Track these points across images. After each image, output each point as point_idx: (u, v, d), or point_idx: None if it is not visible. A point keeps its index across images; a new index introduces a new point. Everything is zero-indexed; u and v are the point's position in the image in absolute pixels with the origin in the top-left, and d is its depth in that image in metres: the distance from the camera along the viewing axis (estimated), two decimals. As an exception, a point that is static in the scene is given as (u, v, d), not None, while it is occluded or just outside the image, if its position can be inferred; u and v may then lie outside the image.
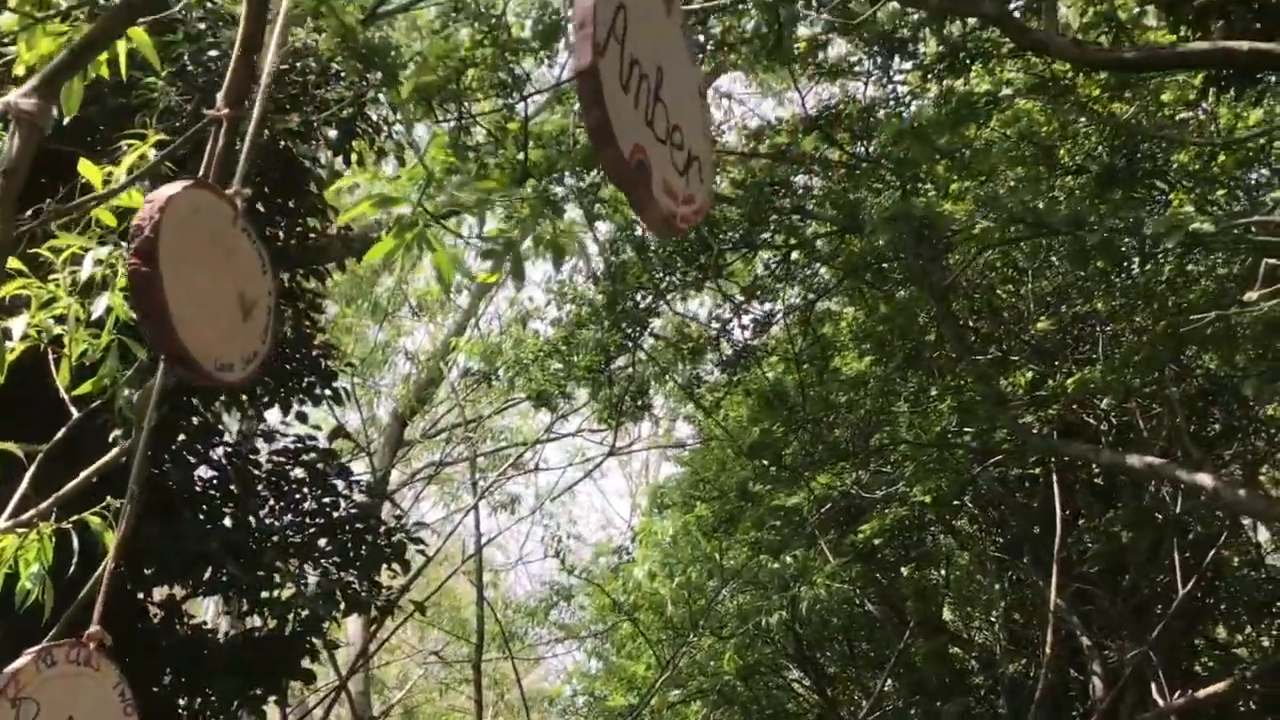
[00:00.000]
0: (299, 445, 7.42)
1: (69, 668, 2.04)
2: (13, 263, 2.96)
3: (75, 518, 3.12)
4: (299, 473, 7.54)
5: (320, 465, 7.51)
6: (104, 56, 2.50)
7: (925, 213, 5.80)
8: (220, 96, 1.96)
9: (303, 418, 7.67)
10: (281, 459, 7.54)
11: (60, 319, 3.29)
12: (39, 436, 3.29)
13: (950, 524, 10.90)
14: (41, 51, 2.40)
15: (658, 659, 10.18)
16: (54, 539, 3.14)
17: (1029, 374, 8.97)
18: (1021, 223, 5.62)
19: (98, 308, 3.18)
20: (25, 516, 3.04)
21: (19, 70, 2.58)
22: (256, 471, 7.24)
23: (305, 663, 6.89)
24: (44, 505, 2.91)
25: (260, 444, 7.54)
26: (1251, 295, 3.37)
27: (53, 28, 2.44)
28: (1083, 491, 9.87)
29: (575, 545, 13.18)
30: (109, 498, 3.22)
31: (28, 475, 3.10)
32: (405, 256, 2.48)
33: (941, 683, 11.11)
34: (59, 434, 3.19)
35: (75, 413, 3.35)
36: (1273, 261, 3.39)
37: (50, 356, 3.36)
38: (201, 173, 1.93)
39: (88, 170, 2.83)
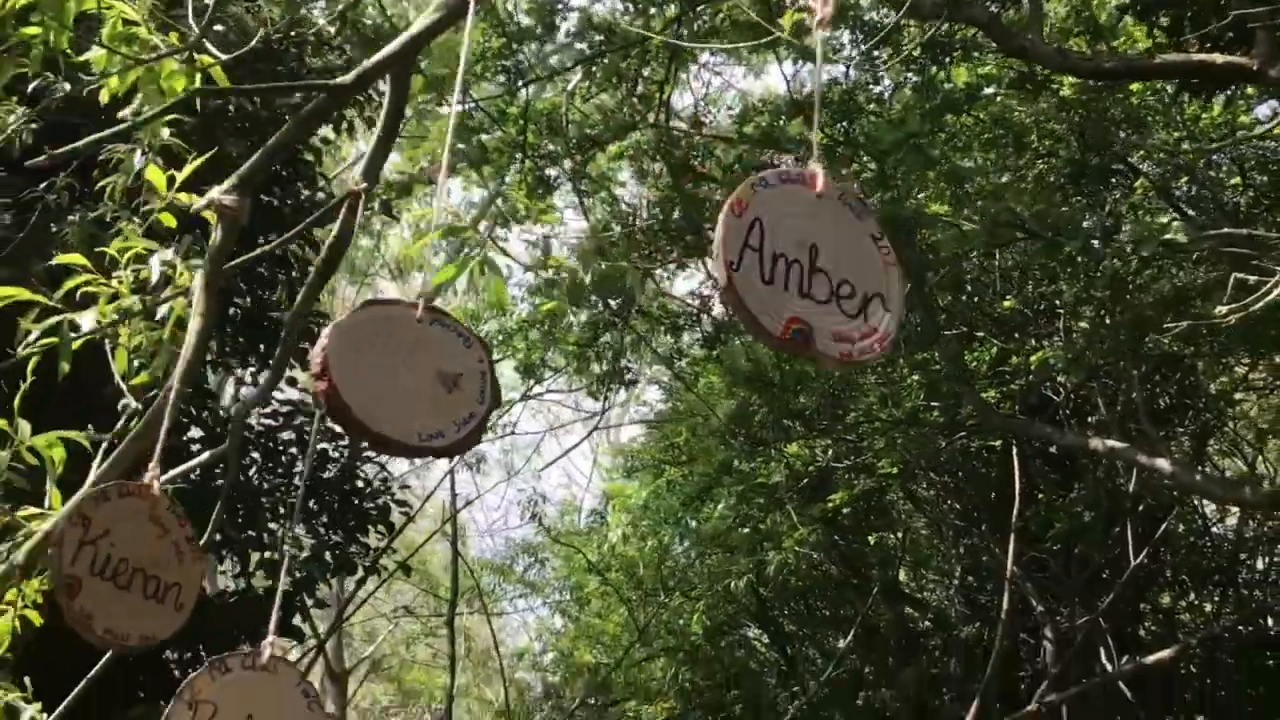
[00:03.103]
0: (290, 409, 7.59)
1: (244, 673, 2.30)
2: (79, 259, 3.15)
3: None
4: (287, 435, 7.73)
5: (308, 429, 7.70)
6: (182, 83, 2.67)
7: (913, 215, 6.05)
8: (358, 174, 2.16)
9: (292, 382, 7.83)
10: (272, 422, 7.71)
11: (123, 314, 3.47)
12: (100, 427, 3.48)
13: (910, 491, 11.23)
14: (175, 88, 2.57)
15: (633, 618, 10.48)
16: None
17: (993, 349, 9.28)
18: (1006, 225, 5.88)
19: (162, 309, 3.36)
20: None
21: (104, 98, 2.76)
22: (248, 434, 7.40)
23: (296, 620, 7.12)
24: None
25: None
26: (1221, 310, 3.63)
27: (172, 67, 2.61)
28: (1040, 465, 10.23)
29: (541, 504, 13.41)
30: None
31: (95, 462, 3.29)
32: (464, 276, 2.68)
33: (898, 644, 11.50)
34: (120, 423, 3.38)
35: (135, 403, 3.54)
36: (1240, 275, 3.65)
37: (108, 347, 3.55)
38: (327, 253, 2.15)
39: (154, 175, 3.00)
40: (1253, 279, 3.60)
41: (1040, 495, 10.12)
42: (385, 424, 1.94)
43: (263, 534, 7.11)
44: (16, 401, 3.64)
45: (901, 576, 12.15)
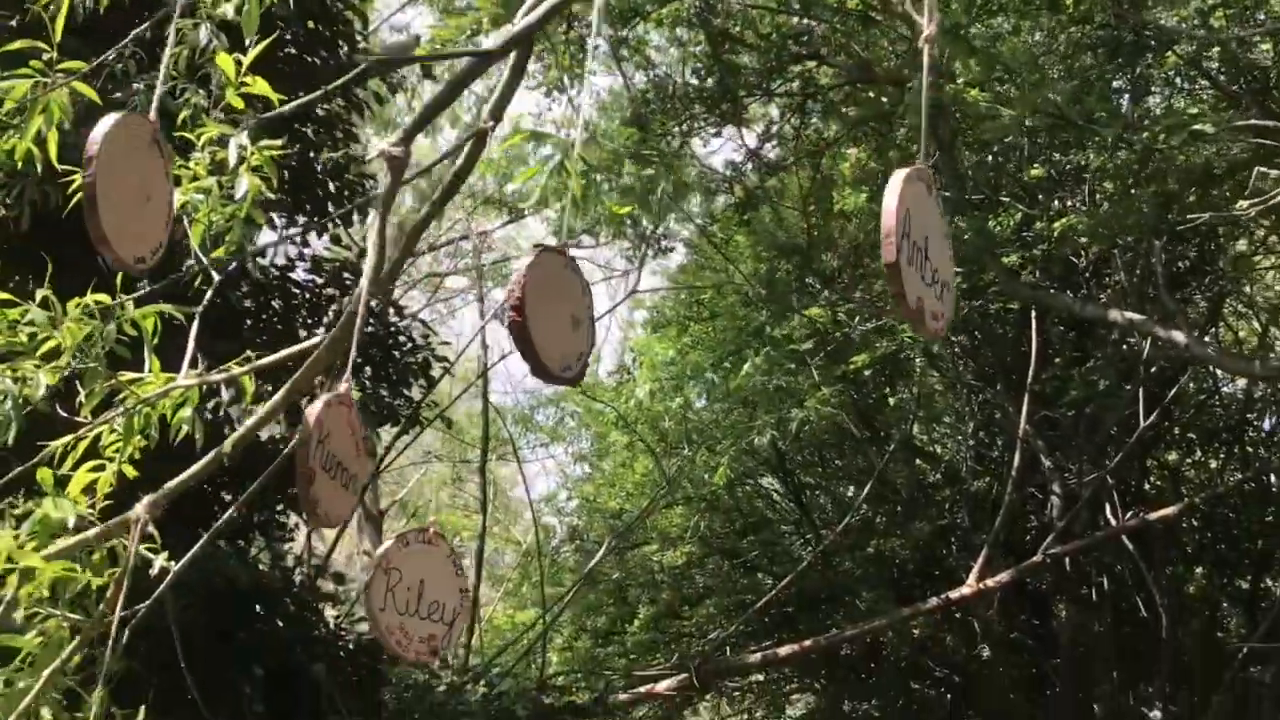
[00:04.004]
0: (335, 265, 7.83)
1: (418, 546, 2.86)
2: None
3: (226, 374, 3.63)
4: (332, 291, 7.98)
5: (351, 283, 7.94)
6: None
7: (954, 100, 6.14)
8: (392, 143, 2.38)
9: (336, 239, 8.06)
10: (316, 278, 7.96)
11: (202, 193, 3.70)
12: (177, 300, 3.75)
13: (926, 349, 11.49)
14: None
15: (663, 470, 10.89)
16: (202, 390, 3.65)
17: (1017, 215, 9.41)
18: (1044, 114, 5.97)
19: (239, 189, 3.58)
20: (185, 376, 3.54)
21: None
22: (295, 290, 7.66)
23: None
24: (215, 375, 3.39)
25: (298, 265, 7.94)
26: (1243, 205, 3.79)
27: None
28: (1058, 329, 10.45)
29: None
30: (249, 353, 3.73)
31: (192, 334, 3.56)
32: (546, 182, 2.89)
33: (909, 496, 11.93)
34: (207, 296, 3.63)
35: (215, 274, 3.79)
36: (1263, 170, 3.80)
37: (186, 223, 3.79)
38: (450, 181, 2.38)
39: (223, 61, 3.21)
40: (1274, 173, 3.75)
41: (1057, 359, 10.37)
42: (548, 356, 2.32)
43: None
44: (118, 280, 3.91)
45: (915, 431, 12.52)
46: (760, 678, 13.21)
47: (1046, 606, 11.58)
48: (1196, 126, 4.69)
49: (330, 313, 8.09)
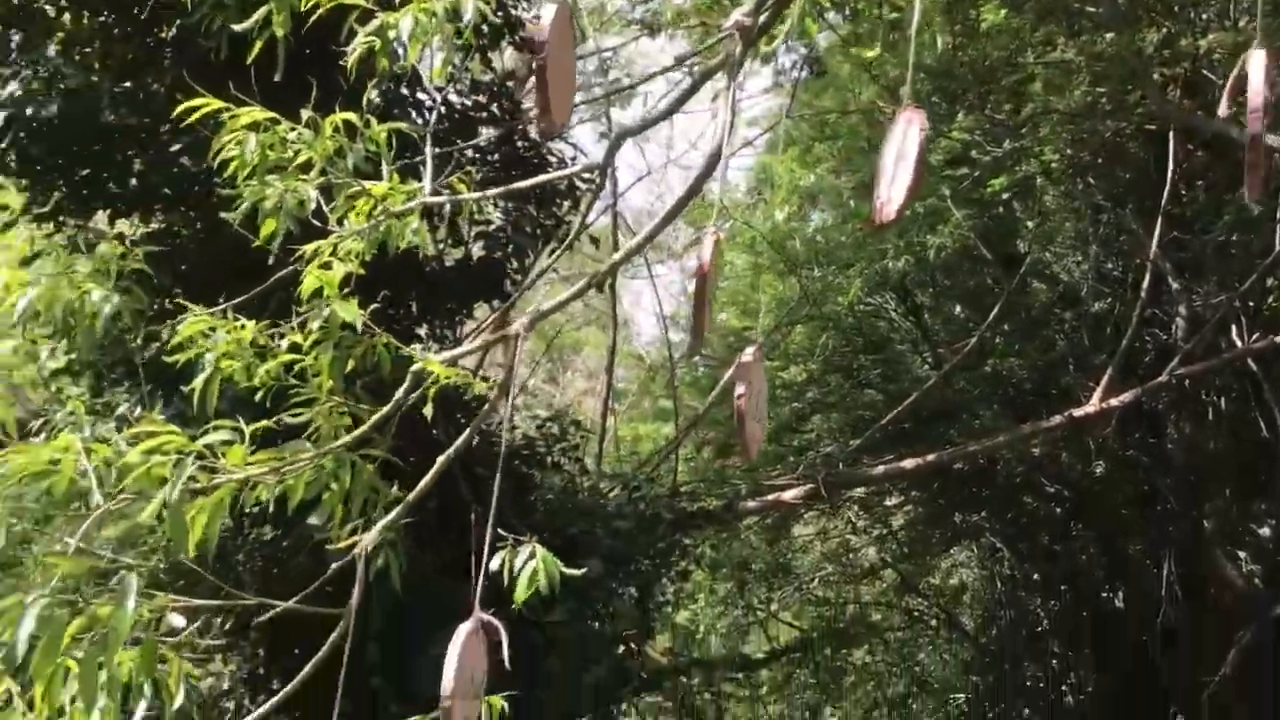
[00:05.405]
0: (492, 88, 8.04)
1: (757, 359, 3.37)
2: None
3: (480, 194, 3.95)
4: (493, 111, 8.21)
5: (505, 104, 8.18)
6: None
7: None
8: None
9: (487, 61, 8.24)
10: (469, 101, 8.18)
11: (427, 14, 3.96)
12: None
13: (1055, 171, 11.41)
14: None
15: (803, 288, 11.11)
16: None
17: (1162, 31, 9.23)
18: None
19: (466, 12, 3.82)
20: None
21: None
22: (456, 114, 7.90)
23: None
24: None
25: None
26: None
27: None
28: (1199, 153, 10.33)
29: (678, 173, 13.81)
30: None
31: (428, 150, 3.86)
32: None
33: (1027, 317, 12.04)
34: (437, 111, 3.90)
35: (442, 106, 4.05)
36: None
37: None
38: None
39: None
40: None
41: (1199, 181, 10.29)
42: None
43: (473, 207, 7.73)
44: (365, 98, 4.22)
45: (1035, 251, 12.53)
46: (863, 492, 13.70)
47: (1162, 425, 11.77)
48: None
49: (481, 133, 8.35)
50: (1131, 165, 10.94)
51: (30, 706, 2.44)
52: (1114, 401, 10.14)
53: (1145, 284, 10.23)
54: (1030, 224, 11.27)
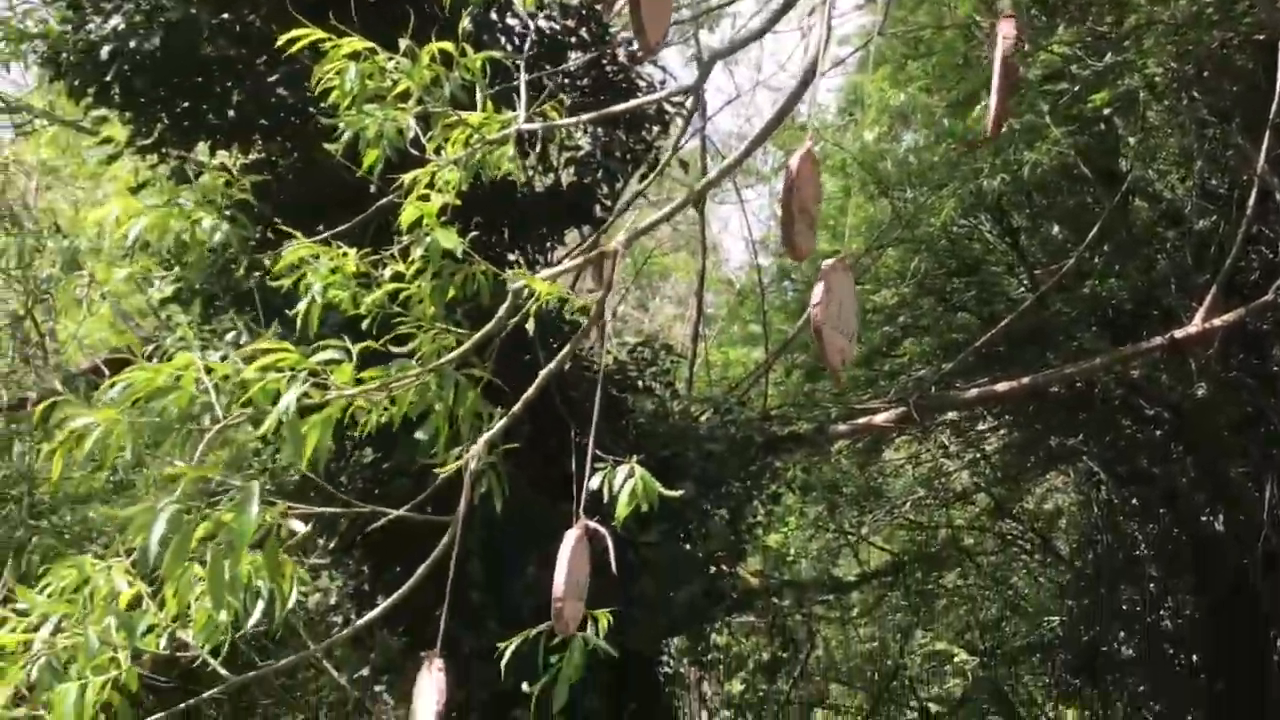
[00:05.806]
0: (581, 11, 8.01)
1: (843, 271, 3.34)
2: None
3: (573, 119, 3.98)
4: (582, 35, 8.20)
5: (595, 28, 8.15)
6: None
7: None
8: None
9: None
10: (555, 24, 8.17)
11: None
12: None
13: (1158, 85, 11.07)
14: None
15: (895, 209, 11.00)
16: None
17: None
18: None
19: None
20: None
21: None
22: (546, 39, 7.91)
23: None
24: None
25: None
26: None
27: None
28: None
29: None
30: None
31: (522, 79, 3.90)
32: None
33: (1128, 235, 11.77)
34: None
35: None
36: None
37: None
38: None
39: None
40: None
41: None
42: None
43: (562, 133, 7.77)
44: (460, 27, 4.26)
45: (1137, 168, 12.21)
46: (955, 416, 13.61)
47: (1267, 346, 11.49)
48: None
49: (570, 58, 8.34)
50: (1238, 77, 10.56)
51: (161, 607, 2.60)
52: (1217, 322, 9.89)
53: (1251, 201, 9.89)
54: (1132, 140, 10.97)
